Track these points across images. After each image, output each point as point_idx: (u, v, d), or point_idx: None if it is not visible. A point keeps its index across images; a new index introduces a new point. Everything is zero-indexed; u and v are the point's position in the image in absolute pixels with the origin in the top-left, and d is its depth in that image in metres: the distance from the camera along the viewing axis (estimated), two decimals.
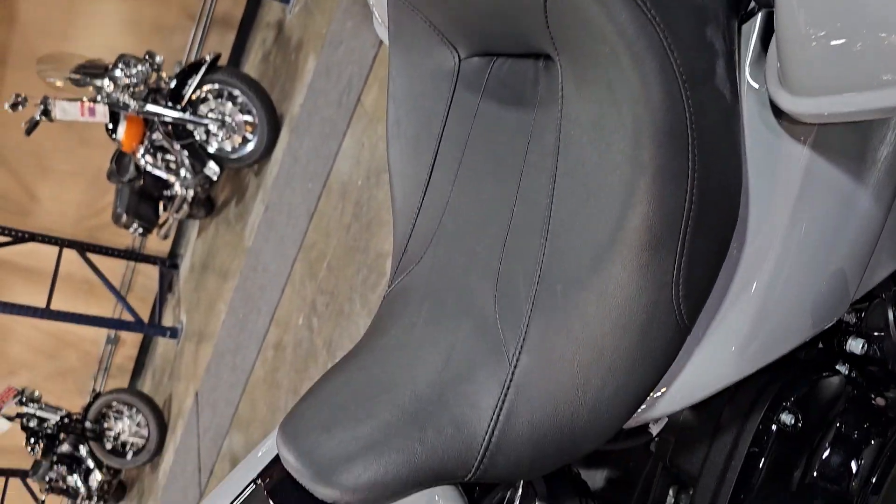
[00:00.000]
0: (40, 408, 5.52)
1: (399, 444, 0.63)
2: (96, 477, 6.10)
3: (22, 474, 6.64)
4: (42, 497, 6.44)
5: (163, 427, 5.61)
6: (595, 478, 0.96)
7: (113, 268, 6.48)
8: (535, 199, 0.68)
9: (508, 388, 0.63)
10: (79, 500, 6.32)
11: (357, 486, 0.62)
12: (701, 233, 0.60)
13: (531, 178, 0.70)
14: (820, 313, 0.74)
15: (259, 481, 0.73)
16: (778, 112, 0.65)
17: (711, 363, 0.71)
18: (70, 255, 5.98)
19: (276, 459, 0.74)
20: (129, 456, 5.75)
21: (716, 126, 0.59)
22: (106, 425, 5.70)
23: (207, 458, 4.51)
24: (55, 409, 5.59)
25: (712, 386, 0.72)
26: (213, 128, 4.41)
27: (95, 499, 6.26)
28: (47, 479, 6.06)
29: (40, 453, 5.75)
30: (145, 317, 6.31)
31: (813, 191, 0.68)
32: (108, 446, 5.74)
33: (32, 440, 5.60)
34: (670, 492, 0.95)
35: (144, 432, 5.64)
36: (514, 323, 0.65)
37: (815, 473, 0.84)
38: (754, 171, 0.66)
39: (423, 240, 0.80)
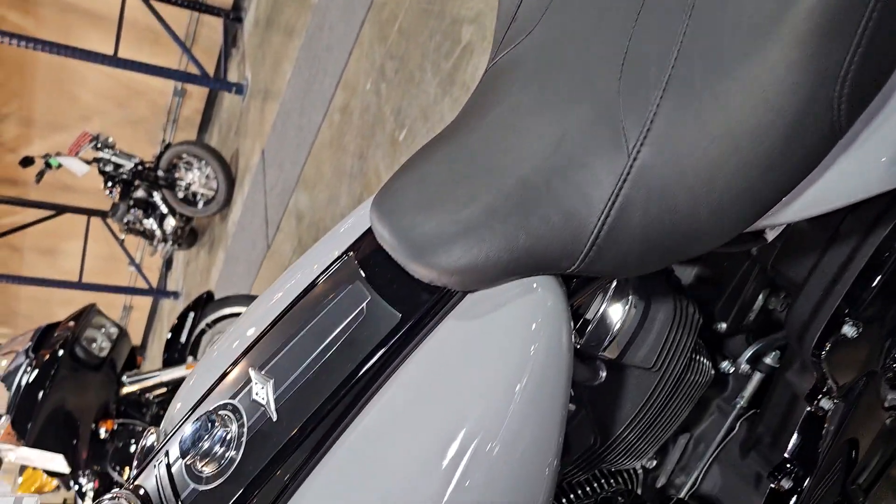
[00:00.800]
0: (115, 154, 5.74)
1: (502, 230, 0.60)
2: (170, 222, 6.49)
3: (102, 215, 7.08)
4: (121, 237, 6.93)
5: (231, 181, 5.81)
6: (686, 273, 0.94)
7: (177, 17, 6.35)
8: None
9: (625, 181, 0.58)
10: (154, 242, 6.80)
11: (455, 268, 0.60)
12: (886, 23, 0.50)
13: None
14: None
15: (350, 253, 0.71)
16: None
17: (856, 172, 0.64)
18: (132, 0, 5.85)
19: (367, 233, 0.72)
20: (200, 205, 6.04)
21: None
22: (177, 175, 5.93)
23: (274, 213, 4.70)
24: (129, 156, 5.82)
25: (851, 196, 0.65)
26: None
27: (170, 241, 6.72)
28: (125, 220, 6.48)
29: (117, 196, 6.10)
30: (210, 70, 6.28)
31: None
32: (180, 195, 6.02)
33: (110, 184, 5.90)
34: (760, 296, 0.92)
35: (213, 184, 5.87)
36: (638, 110, 0.59)
37: None
38: None
39: (536, 7, 0.71)
